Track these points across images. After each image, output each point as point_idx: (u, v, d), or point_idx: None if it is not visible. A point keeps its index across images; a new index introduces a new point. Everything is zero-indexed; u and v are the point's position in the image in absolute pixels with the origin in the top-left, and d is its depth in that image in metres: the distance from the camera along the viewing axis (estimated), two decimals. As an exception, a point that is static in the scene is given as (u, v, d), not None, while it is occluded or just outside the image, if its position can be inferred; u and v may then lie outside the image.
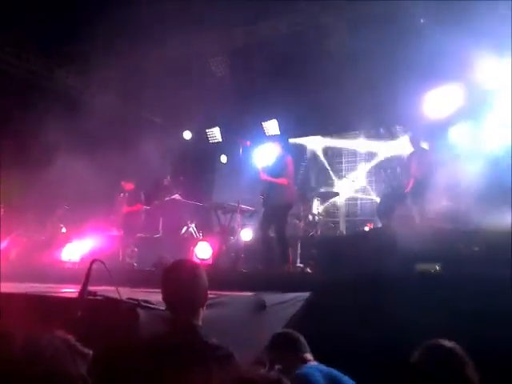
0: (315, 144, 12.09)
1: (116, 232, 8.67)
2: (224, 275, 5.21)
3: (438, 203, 7.82)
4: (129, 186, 8.80)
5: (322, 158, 12.01)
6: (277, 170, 6.99)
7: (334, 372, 2.61)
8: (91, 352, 1.27)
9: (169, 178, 10.82)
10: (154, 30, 8.11)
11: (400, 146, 10.80)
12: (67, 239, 8.00)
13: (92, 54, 9.00)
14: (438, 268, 4.68)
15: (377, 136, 11.31)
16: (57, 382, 1.16)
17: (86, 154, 8.76)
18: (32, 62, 9.29)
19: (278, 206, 6.85)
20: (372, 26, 7.84)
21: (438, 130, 9.13)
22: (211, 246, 7.45)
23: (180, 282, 2.24)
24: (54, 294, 3.38)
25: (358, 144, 11.56)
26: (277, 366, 2.63)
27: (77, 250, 7.62)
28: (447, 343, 2.11)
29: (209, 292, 2.36)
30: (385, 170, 10.74)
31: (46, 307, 2.88)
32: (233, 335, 2.56)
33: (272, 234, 6.93)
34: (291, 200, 7.12)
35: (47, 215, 9.33)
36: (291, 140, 11.69)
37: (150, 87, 10.18)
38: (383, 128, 11.14)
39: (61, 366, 1.17)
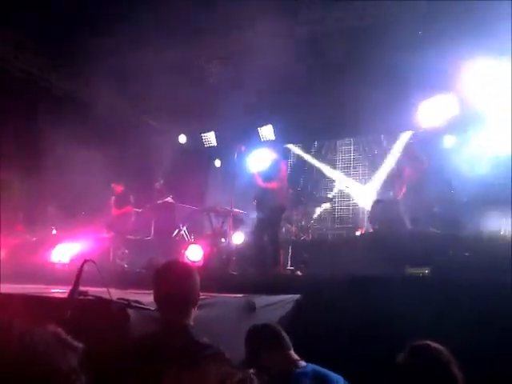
0: (310, 151, 12.15)
1: (106, 234, 8.64)
2: (214, 277, 5.21)
3: (429, 209, 7.88)
4: (119, 188, 8.80)
5: (316, 163, 12.06)
6: (270, 175, 7.06)
7: (320, 370, 2.59)
8: (81, 345, 1.27)
9: (161, 181, 10.82)
10: (151, 33, 8.12)
11: (393, 155, 10.89)
12: (57, 240, 7.95)
13: (88, 55, 8.99)
14: (427, 272, 4.72)
15: (370, 143, 11.38)
16: (48, 377, 1.16)
17: (78, 155, 8.73)
18: (28, 62, 9.24)
19: (271, 209, 6.91)
20: (369, 37, 7.92)
21: (432, 138, 9.22)
22: (202, 248, 7.45)
23: (172, 281, 2.24)
24: (43, 294, 3.37)
25: (353, 151, 11.61)
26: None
27: (67, 251, 7.57)
28: (432, 343, 2.15)
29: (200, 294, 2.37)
30: (378, 176, 10.84)
31: (35, 307, 2.86)
32: (222, 336, 2.56)
33: (265, 237, 6.97)
34: (284, 204, 7.19)
35: (37, 216, 9.28)
36: (287, 145, 11.75)
37: (146, 90, 10.18)
38: (377, 136, 11.22)
39: (52, 360, 1.17)
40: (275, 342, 2.71)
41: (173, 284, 2.24)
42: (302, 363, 2.65)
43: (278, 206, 6.96)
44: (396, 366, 2.12)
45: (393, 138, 11.01)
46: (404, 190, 8.16)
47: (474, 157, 7.86)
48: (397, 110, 8.88)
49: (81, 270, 2.50)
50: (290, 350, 2.72)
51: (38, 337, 1.18)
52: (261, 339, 2.73)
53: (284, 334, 2.78)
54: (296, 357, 2.70)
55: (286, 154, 11.56)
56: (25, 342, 1.17)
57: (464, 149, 8.32)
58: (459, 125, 8.82)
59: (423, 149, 8.72)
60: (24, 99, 8.87)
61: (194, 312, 2.27)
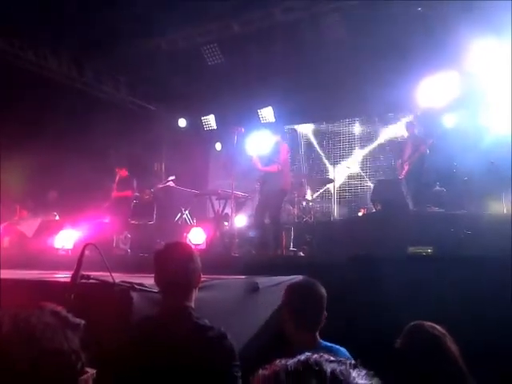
0: (311, 132, 12.09)
1: (109, 219, 8.66)
2: (217, 260, 5.23)
3: (431, 188, 7.87)
4: (123, 172, 8.82)
5: (316, 144, 12.01)
6: (270, 158, 7.02)
7: (332, 347, 2.58)
8: (83, 322, 1.26)
9: (161, 164, 10.80)
10: (150, 17, 8.03)
11: (394, 135, 10.83)
12: (60, 226, 7.97)
13: (86, 41, 8.90)
14: (429, 251, 4.73)
15: (371, 123, 11.32)
16: (48, 361, 1.15)
17: (80, 140, 8.72)
18: (24, 48, 9.15)
19: (274, 192, 6.89)
20: (368, 14, 7.81)
21: (433, 117, 9.16)
22: (205, 231, 7.46)
23: (172, 262, 2.23)
24: (46, 279, 3.38)
25: (354, 132, 11.56)
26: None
27: (70, 237, 7.59)
28: (427, 323, 2.19)
29: (202, 276, 2.36)
30: (379, 157, 10.81)
31: (38, 291, 2.88)
32: (225, 317, 2.58)
33: (266, 219, 6.98)
34: (286, 186, 7.17)
35: (40, 203, 9.30)
36: (287, 127, 11.68)
37: (145, 74, 10.11)
38: (378, 116, 11.14)
39: (52, 342, 1.16)
40: (317, 321, 2.56)
41: (173, 265, 2.23)
42: (320, 340, 2.60)
43: (279, 189, 6.94)
44: (394, 351, 2.15)
45: (394, 118, 10.93)
46: (406, 169, 8.14)
47: (475, 135, 7.82)
48: (398, 89, 8.79)
49: (82, 254, 2.50)
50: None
51: (35, 320, 1.17)
52: (305, 313, 2.54)
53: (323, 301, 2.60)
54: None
55: (289, 135, 11.50)
56: (19, 326, 1.15)
57: (465, 127, 8.28)
58: (460, 103, 8.75)
59: (425, 127, 8.67)
60: (24, 86, 8.80)
61: (195, 293, 2.27)
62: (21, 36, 9.00)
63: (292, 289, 2.68)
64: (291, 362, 0.94)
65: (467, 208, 6.58)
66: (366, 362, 1.07)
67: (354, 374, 0.91)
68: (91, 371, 1.30)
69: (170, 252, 2.31)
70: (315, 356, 0.94)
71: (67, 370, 1.17)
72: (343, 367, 0.91)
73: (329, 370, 0.90)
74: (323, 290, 2.64)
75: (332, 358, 0.94)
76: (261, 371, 0.95)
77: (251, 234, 7.32)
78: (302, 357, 0.94)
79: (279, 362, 0.95)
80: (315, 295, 2.61)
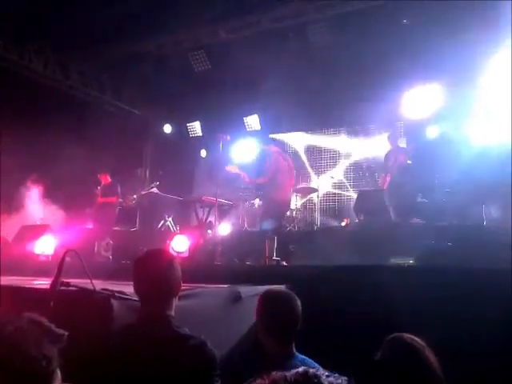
0: (296, 141, 12.15)
1: (91, 225, 8.58)
2: (200, 268, 5.20)
3: (413, 200, 7.95)
4: (106, 178, 8.76)
5: (302, 154, 12.07)
6: (258, 170, 7.03)
7: (310, 363, 2.57)
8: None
9: (147, 170, 10.74)
10: (137, 21, 8.02)
11: (377, 146, 10.94)
12: (42, 231, 7.85)
13: (71, 44, 8.85)
14: (411, 262, 4.78)
15: (355, 134, 11.43)
16: (12, 360, 1.16)
17: (63, 145, 8.63)
18: (8, 50, 9.05)
19: (268, 201, 6.91)
20: (353, 25, 7.91)
21: (416, 129, 9.28)
22: (188, 239, 7.41)
23: (152, 270, 2.20)
24: (25, 285, 3.32)
25: (339, 142, 11.65)
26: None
27: (51, 242, 7.48)
28: (406, 335, 2.20)
29: (184, 284, 2.34)
30: (362, 168, 10.91)
31: (16, 298, 2.82)
32: (207, 325, 2.56)
33: (255, 228, 7.01)
34: (279, 195, 7.20)
35: (22, 207, 9.17)
36: (273, 136, 11.73)
37: (131, 79, 10.08)
38: (362, 126, 11.25)
39: (20, 344, 1.17)
40: (292, 330, 2.52)
41: (152, 273, 2.19)
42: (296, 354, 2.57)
43: (272, 198, 6.96)
44: (374, 363, 2.16)
45: (378, 128, 11.04)
46: (388, 180, 8.23)
47: (457, 146, 7.93)
48: (381, 100, 8.91)
49: (63, 261, 2.47)
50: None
51: (4, 320, 1.18)
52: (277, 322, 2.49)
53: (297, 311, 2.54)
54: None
55: (275, 143, 11.54)
56: None
57: (447, 138, 8.40)
58: (443, 115, 8.89)
59: (407, 139, 8.78)
60: (7, 87, 8.70)
61: (175, 302, 2.25)
62: (5, 37, 8.90)
63: (263, 300, 2.60)
64: (289, 373, 0.98)
65: (448, 219, 6.67)
66: (348, 372, 1.07)
67: None
68: None
69: (150, 259, 2.27)
70: (313, 370, 0.99)
71: (36, 374, 1.18)
72: (339, 382, 0.97)
73: (326, 383, 0.95)
74: (297, 302, 2.57)
75: (328, 373, 0.99)
76: (258, 380, 0.97)
77: (235, 242, 7.31)
78: (301, 369, 0.99)
79: (276, 373, 0.98)
80: (287, 307, 2.54)
